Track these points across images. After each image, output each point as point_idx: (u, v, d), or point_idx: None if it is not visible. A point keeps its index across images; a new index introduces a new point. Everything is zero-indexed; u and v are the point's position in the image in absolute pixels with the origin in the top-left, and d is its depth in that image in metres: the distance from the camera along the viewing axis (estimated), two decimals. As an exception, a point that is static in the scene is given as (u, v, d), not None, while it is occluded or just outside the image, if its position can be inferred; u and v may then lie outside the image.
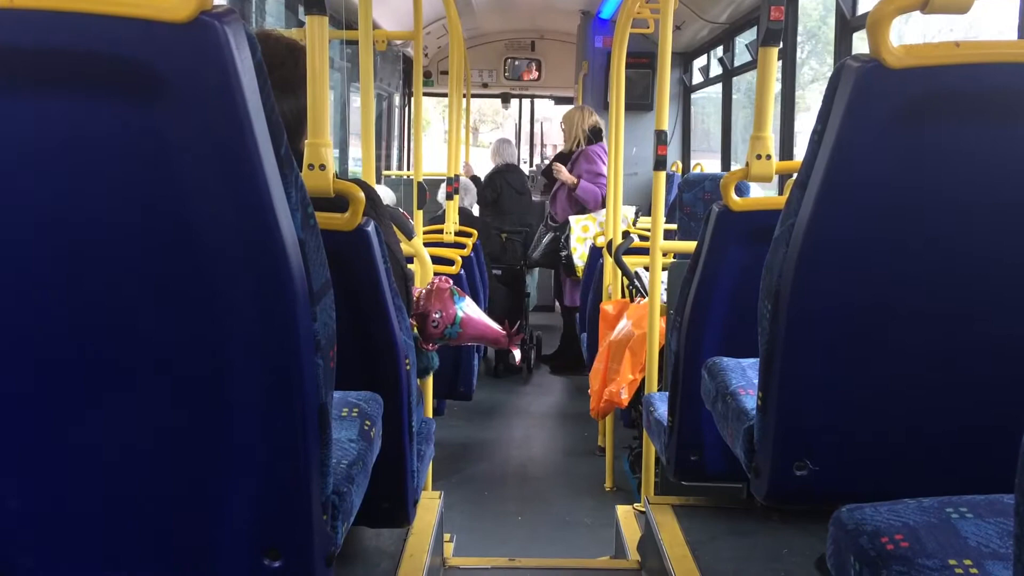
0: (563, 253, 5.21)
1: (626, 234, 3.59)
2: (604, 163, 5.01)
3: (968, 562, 0.91)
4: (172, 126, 0.90)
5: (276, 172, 0.94)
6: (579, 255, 4.97)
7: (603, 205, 4.89)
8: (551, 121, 9.78)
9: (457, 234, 4.09)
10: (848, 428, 1.30)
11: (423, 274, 2.72)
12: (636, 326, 3.17)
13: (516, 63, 8.51)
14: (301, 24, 1.52)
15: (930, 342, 1.25)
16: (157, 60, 0.88)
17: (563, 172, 5.34)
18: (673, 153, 6.37)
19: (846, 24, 3.40)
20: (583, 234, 4.98)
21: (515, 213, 6.16)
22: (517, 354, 2.46)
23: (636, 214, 5.06)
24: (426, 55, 7.81)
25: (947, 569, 0.90)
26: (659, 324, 2.75)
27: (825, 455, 1.30)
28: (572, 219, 5.14)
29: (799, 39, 4.18)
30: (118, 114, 0.90)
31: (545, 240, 5.54)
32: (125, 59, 0.88)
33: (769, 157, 1.85)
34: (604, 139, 5.23)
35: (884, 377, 1.27)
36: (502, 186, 6.14)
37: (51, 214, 0.95)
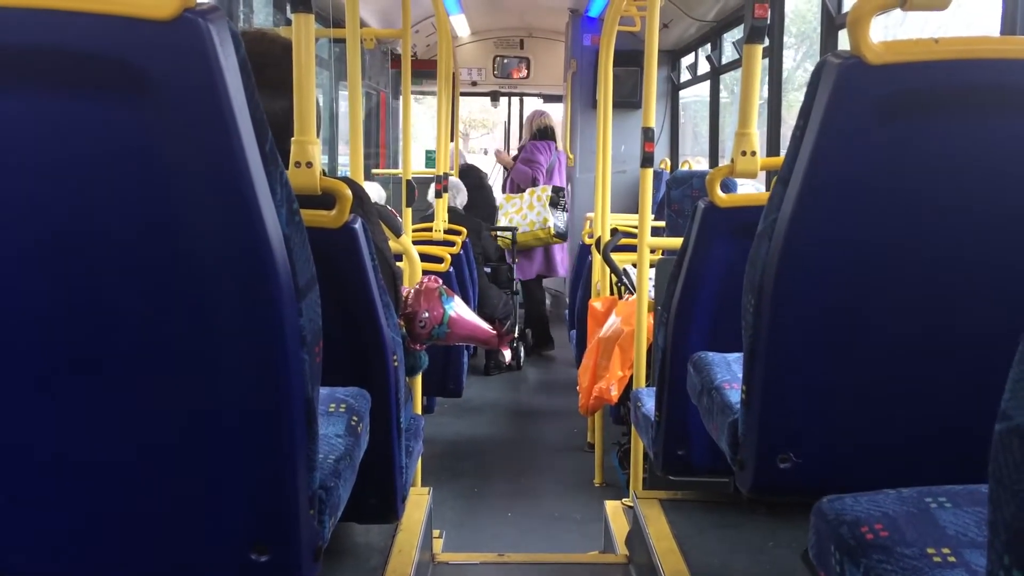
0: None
1: (614, 231, 3.61)
2: (541, 152, 6.34)
3: (946, 550, 0.92)
4: (156, 123, 0.91)
5: (261, 168, 0.94)
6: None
7: (532, 184, 6.21)
8: None
9: (446, 232, 4.09)
10: (831, 421, 1.31)
11: (412, 271, 2.72)
12: (625, 323, 3.18)
13: (505, 61, 8.50)
14: (289, 22, 1.52)
15: (911, 335, 1.26)
16: (140, 58, 0.89)
17: (502, 155, 6.80)
18: (661, 151, 6.39)
19: (832, 22, 3.42)
20: (509, 208, 6.06)
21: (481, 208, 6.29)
22: (507, 354, 2.47)
23: (558, 193, 6.05)
24: (415, 53, 7.80)
25: (925, 557, 0.91)
26: (647, 320, 2.76)
27: (808, 448, 1.32)
28: (503, 197, 6.26)
29: (793, 42, 4.21)
30: (102, 112, 0.91)
31: None
32: (108, 57, 0.89)
33: (754, 153, 1.86)
34: (554, 138, 6.53)
35: (866, 370, 1.28)
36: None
37: (34, 211, 0.95)
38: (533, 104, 9.50)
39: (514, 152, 7.01)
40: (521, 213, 5.95)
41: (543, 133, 6.45)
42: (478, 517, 3.61)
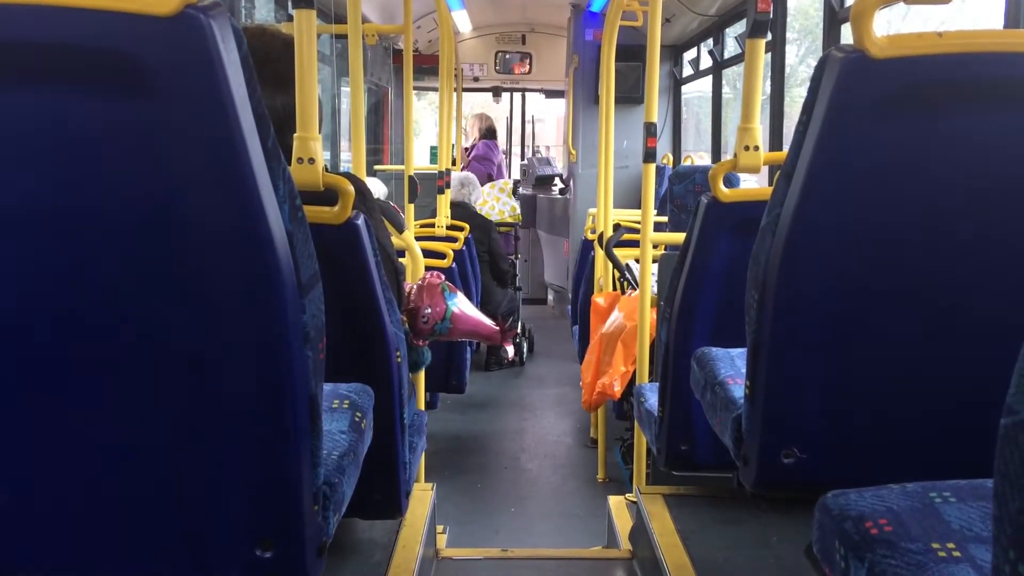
0: None
1: (617, 227, 3.60)
2: (492, 151, 7.44)
3: (951, 545, 0.92)
4: (158, 119, 0.90)
5: (263, 164, 0.94)
6: None
7: (488, 180, 6.98)
8: (544, 122, 10.18)
9: (449, 228, 4.09)
10: (834, 416, 1.31)
11: (414, 267, 2.72)
12: (628, 318, 3.18)
13: (507, 57, 8.49)
14: (291, 18, 1.52)
15: (915, 330, 1.26)
16: (142, 53, 0.88)
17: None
18: (664, 146, 6.38)
19: (834, 16, 3.42)
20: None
21: None
22: (510, 350, 2.47)
23: (516, 184, 6.93)
24: (417, 49, 7.79)
25: (930, 552, 0.91)
26: (650, 316, 2.76)
27: (812, 443, 1.32)
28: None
29: (796, 37, 4.20)
30: (103, 107, 0.91)
31: None
32: (110, 52, 0.88)
33: (757, 148, 1.86)
34: (496, 137, 7.67)
35: (869, 365, 1.28)
36: None
37: (36, 207, 0.95)
38: (535, 100, 9.52)
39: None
40: (488, 205, 6.64)
41: (491, 132, 7.48)
42: (481, 513, 3.62)
